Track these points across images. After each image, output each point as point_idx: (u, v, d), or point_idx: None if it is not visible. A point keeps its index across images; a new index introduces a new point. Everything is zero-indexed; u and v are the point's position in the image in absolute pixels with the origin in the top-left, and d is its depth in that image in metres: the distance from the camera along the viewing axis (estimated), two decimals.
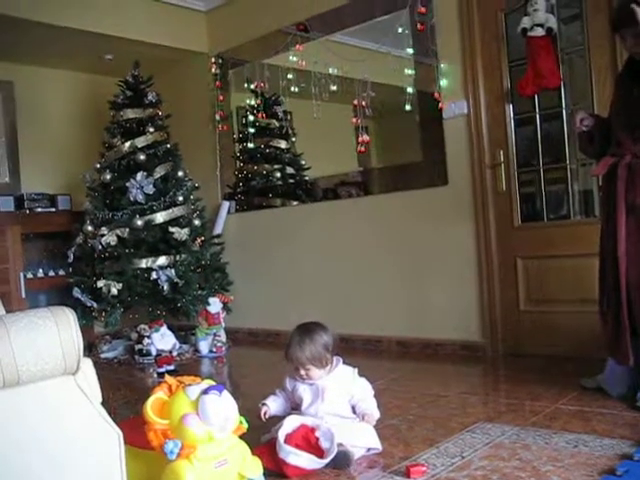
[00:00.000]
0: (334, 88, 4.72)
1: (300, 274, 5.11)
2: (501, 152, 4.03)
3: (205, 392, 1.94)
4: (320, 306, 4.91)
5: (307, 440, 2.29)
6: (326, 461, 2.24)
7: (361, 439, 2.38)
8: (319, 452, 2.26)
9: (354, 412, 2.49)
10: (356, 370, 2.54)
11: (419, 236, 4.39)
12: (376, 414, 2.48)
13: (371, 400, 2.51)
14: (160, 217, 4.89)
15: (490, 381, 3.57)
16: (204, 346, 4.96)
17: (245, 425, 2.05)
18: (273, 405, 2.53)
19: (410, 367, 3.98)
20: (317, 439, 2.29)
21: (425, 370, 3.87)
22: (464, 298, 4.20)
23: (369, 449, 2.41)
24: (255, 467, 2.06)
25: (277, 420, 2.45)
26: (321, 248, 4.97)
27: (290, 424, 2.36)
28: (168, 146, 5.14)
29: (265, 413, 2.50)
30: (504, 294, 4.08)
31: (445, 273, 4.28)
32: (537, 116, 3.95)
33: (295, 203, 5.20)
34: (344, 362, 2.55)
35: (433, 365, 4.00)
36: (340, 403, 2.47)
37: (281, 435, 2.29)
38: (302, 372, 2.46)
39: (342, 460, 2.27)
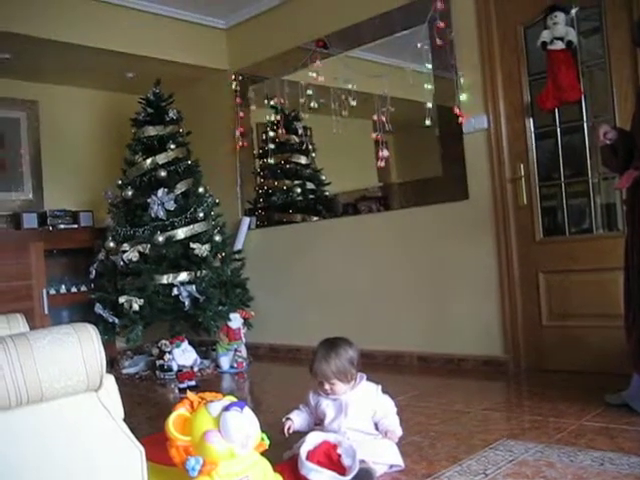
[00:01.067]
0: (353, 103, 4.74)
1: (320, 289, 5.11)
2: (522, 166, 4.02)
3: (227, 409, 1.94)
4: (340, 321, 4.90)
5: (329, 457, 2.28)
6: (348, 479, 2.23)
7: (383, 456, 2.37)
8: (341, 469, 2.25)
9: (377, 429, 2.48)
10: (379, 387, 2.54)
11: (439, 250, 4.38)
12: (399, 431, 2.47)
13: (394, 417, 2.51)
14: (181, 233, 4.91)
15: (513, 397, 3.53)
16: (225, 362, 4.96)
17: (267, 442, 2.04)
18: (297, 420, 2.53)
19: (432, 383, 3.96)
20: (339, 456, 2.28)
21: (447, 386, 3.85)
22: (486, 313, 4.18)
23: (391, 466, 2.40)
24: None
25: (299, 436, 2.44)
26: (341, 263, 4.97)
27: (312, 440, 2.35)
28: (189, 162, 5.18)
29: (289, 428, 2.50)
30: (526, 309, 4.05)
31: (466, 287, 4.26)
32: (558, 129, 3.93)
33: (315, 218, 5.21)
34: (368, 379, 2.55)
35: (455, 381, 3.97)
36: (363, 419, 2.46)
37: (303, 452, 2.29)
38: (327, 386, 2.46)
39: (364, 477, 2.26)
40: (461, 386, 3.82)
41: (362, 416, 2.46)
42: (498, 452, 2.53)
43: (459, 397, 3.51)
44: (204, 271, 4.90)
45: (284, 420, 2.51)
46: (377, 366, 4.54)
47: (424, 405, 3.39)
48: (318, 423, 2.52)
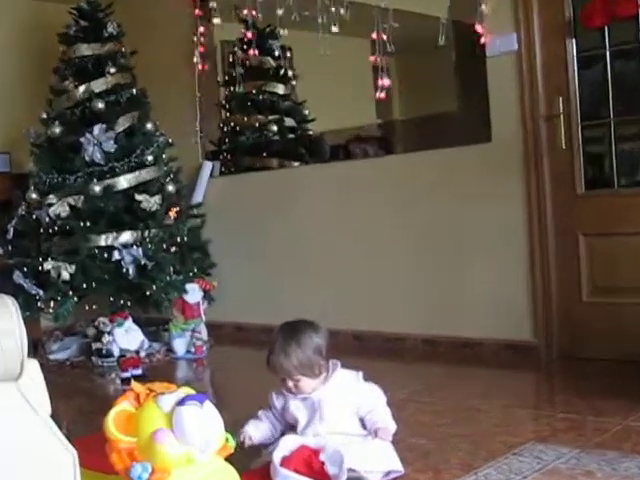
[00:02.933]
0: (346, 17, 4.68)
1: (301, 255, 5.12)
2: (560, 100, 4.01)
3: (182, 403, 1.94)
4: (327, 296, 4.92)
5: (309, 465, 2.29)
6: None
7: (377, 462, 2.38)
8: (324, 479, 2.27)
9: (364, 427, 2.50)
10: (360, 374, 2.55)
11: (453, 207, 4.38)
12: (391, 426, 2.48)
13: (383, 409, 2.52)
14: (124, 182, 4.88)
15: (543, 391, 3.58)
16: (180, 345, 4.98)
17: (232, 444, 2.05)
18: (256, 432, 2.52)
19: (440, 372, 3.98)
20: (322, 464, 2.29)
21: (460, 376, 3.88)
22: (511, 285, 4.20)
23: (388, 473, 2.42)
24: None
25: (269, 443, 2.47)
26: (329, 222, 4.97)
27: (287, 445, 2.36)
28: (134, 91, 5.12)
29: (244, 442, 2.49)
30: (562, 281, 4.07)
31: (487, 254, 4.28)
32: (607, 54, 3.91)
33: (296, 164, 5.19)
34: (343, 366, 2.55)
35: (470, 370, 4.00)
36: (345, 419, 2.47)
37: (276, 457, 2.30)
38: (290, 384, 2.46)
39: None
40: (477, 377, 3.85)
41: (343, 415, 2.47)
42: (523, 459, 2.55)
43: (474, 390, 3.54)
44: (153, 230, 4.88)
45: (239, 434, 2.50)
46: (372, 351, 4.57)
47: (430, 400, 3.41)
48: (288, 429, 2.53)
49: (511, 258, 4.19)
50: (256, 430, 2.53)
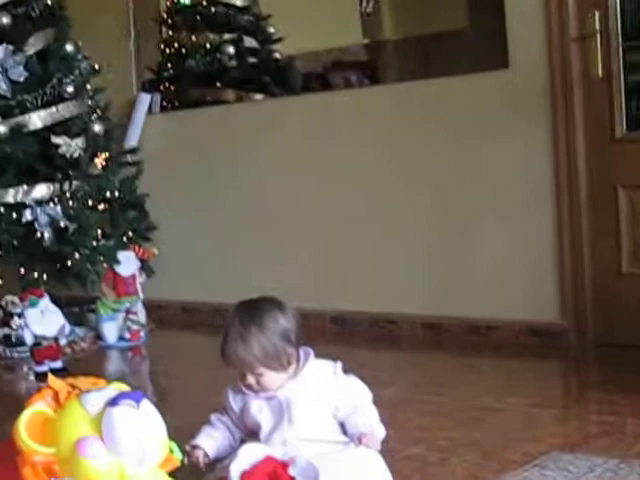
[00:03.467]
0: None
1: (266, 215, 5.11)
2: (596, 15, 4.00)
3: (113, 402, 1.93)
4: (300, 268, 4.93)
5: (273, 476, 2.30)
6: None
7: (361, 476, 2.39)
8: None
9: (344, 433, 2.50)
10: (339, 365, 2.53)
11: (460, 154, 4.38)
12: (379, 431, 2.48)
13: (368, 410, 2.51)
14: (37, 120, 4.84)
15: (572, 386, 3.61)
16: (111, 330, 4.98)
17: (178, 456, 2.05)
18: (210, 444, 2.50)
19: (444, 363, 4.01)
20: (292, 479, 2.30)
21: (468, 368, 3.91)
22: (532, 254, 4.22)
23: None
24: None
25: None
26: (300, 172, 4.96)
27: (248, 456, 2.35)
28: (48, 2, 5.06)
29: (198, 458, 2.48)
30: (597, 247, 4.10)
31: (502, 214, 4.29)
32: None
33: (259, 97, 5.15)
34: (318, 355, 2.54)
35: (481, 360, 4.04)
36: (319, 422, 2.46)
37: (235, 471, 2.30)
38: (251, 380, 2.44)
39: None
40: (490, 369, 3.88)
41: (317, 418, 2.45)
42: (547, 472, 2.55)
43: (487, 386, 3.56)
44: (75, 183, 4.85)
45: (188, 449, 2.49)
46: (355, 338, 4.59)
47: (432, 399, 3.42)
48: (248, 435, 2.52)
49: (533, 218, 4.21)
50: (210, 442, 2.52)
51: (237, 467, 2.31)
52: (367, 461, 2.42)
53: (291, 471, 2.30)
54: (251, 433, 2.52)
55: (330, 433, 2.48)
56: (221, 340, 2.47)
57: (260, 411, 2.47)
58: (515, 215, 4.26)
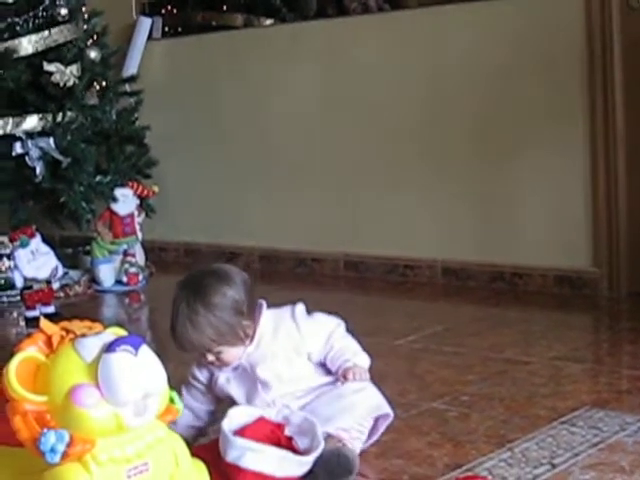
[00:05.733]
0: None
1: (276, 151, 5.11)
2: None
3: (110, 348, 1.93)
4: (311, 208, 4.94)
5: (272, 437, 2.30)
6: (310, 459, 2.26)
7: (360, 412, 2.39)
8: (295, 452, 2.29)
9: (328, 371, 2.49)
10: (298, 308, 2.50)
11: (484, 85, 4.37)
12: (363, 360, 2.47)
13: (345, 341, 2.51)
14: (27, 45, 4.82)
15: (605, 339, 3.60)
16: (107, 273, 4.99)
17: (180, 406, 2.05)
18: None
19: (466, 313, 4.02)
20: (289, 439, 2.30)
21: (492, 319, 3.91)
22: (563, 197, 4.22)
23: (377, 418, 2.45)
24: (197, 476, 2.09)
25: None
26: (314, 105, 4.94)
27: (239, 416, 2.35)
28: None
29: None
30: (633, 190, 4.10)
31: (530, 152, 4.27)
32: None
33: (269, 22, 5.12)
34: (270, 305, 2.50)
35: (506, 310, 4.04)
36: (295, 374, 2.44)
37: (226, 426, 2.30)
38: (211, 358, 2.44)
39: (337, 466, 2.29)
40: (517, 319, 3.88)
41: (291, 370, 2.43)
42: (576, 429, 2.56)
43: (512, 337, 3.56)
44: (69, 114, 4.84)
45: None
46: (371, 283, 4.61)
47: (452, 350, 3.43)
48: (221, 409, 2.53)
49: (565, 157, 4.19)
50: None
51: (229, 425, 2.32)
52: (359, 392, 2.42)
53: (287, 431, 2.32)
54: (227, 405, 2.51)
55: (311, 379, 2.47)
56: (170, 323, 2.44)
57: (228, 383, 2.45)
58: (546, 153, 4.24)
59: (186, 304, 2.41)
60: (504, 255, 4.39)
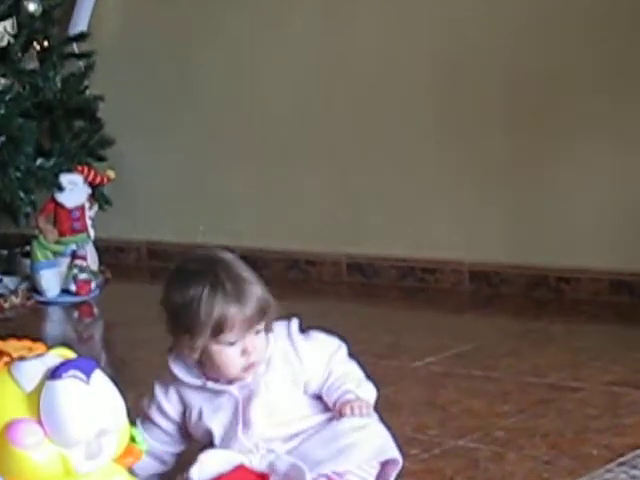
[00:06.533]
0: None
1: (263, 125, 5.13)
2: None
3: (55, 374, 1.93)
4: (307, 198, 4.96)
5: None
6: None
7: (357, 454, 2.39)
8: None
9: (325, 404, 2.50)
10: (293, 324, 2.51)
11: (519, 38, 4.38)
12: (367, 392, 2.48)
13: (346, 367, 2.51)
14: None
15: None
16: (51, 280, 4.99)
17: (142, 446, 2.06)
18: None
19: (500, 328, 4.02)
20: None
21: (532, 334, 3.92)
22: (622, 183, 4.24)
23: (384, 463, 2.44)
24: None
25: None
26: (311, 64, 4.96)
27: (212, 463, 2.35)
28: None
29: None
30: None
31: (582, 126, 4.29)
32: None
33: None
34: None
35: (550, 324, 4.05)
36: (290, 412, 2.46)
37: (195, 475, 2.30)
38: (249, 345, 2.43)
39: None
40: (562, 335, 3.89)
41: (288, 409, 2.46)
42: (636, 472, 2.56)
43: (557, 358, 3.57)
44: (3, 81, 4.87)
45: None
46: (382, 291, 4.62)
47: (483, 375, 3.44)
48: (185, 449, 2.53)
49: (626, 132, 4.21)
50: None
51: (199, 474, 2.32)
52: (362, 430, 2.41)
53: None
54: (197, 442, 2.51)
55: (305, 420, 2.48)
56: (187, 301, 2.42)
57: (212, 414, 2.46)
58: (603, 130, 4.26)
59: (225, 271, 2.42)
60: (547, 255, 4.41)
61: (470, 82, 4.52)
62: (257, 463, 2.36)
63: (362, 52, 4.78)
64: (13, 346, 2.06)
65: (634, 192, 4.19)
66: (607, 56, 4.18)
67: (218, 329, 2.35)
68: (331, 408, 2.46)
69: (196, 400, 2.46)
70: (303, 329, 2.51)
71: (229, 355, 2.38)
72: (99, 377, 1.98)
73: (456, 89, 4.55)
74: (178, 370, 2.46)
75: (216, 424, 2.44)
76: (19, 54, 4.93)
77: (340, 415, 2.41)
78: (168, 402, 2.49)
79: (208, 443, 2.45)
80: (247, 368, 2.40)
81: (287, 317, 2.49)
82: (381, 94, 4.75)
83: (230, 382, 2.41)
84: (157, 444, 2.49)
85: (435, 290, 4.60)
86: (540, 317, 4.14)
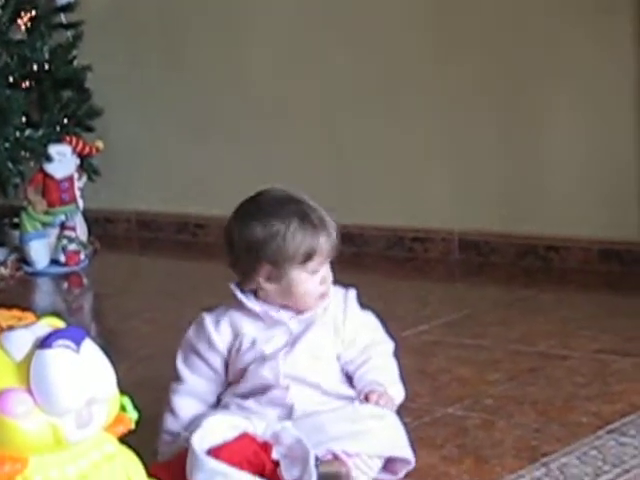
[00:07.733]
0: None
1: (253, 94, 5.12)
2: None
3: (45, 343, 1.93)
4: (298, 168, 4.93)
5: (254, 462, 2.31)
6: None
7: (370, 441, 2.40)
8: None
9: (351, 384, 2.51)
10: (351, 293, 2.57)
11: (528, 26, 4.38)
12: (397, 392, 2.50)
13: (386, 361, 2.54)
14: None
15: None
16: (40, 251, 4.99)
17: (133, 415, 2.05)
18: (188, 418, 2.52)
19: (490, 296, 4.03)
20: (275, 464, 2.31)
21: (522, 303, 3.93)
22: (610, 159, 4.23)
23: (394, 460, 2.44)
24: None
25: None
26: (304, 32, 4.94)
27: (216, 430, 2.35)
28: None
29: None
30: None
31: (573, 99, 4.30)
32: None
33: None
34: None
35: (539, 292, 4.05)
36: (322, 363, 2.47)
37: (197, 442, 2.30)
38: (326, 274, 2.50)
39: None
40: (552, 303, 3.90)
41: (320, 357, 2.47)
42: (626, 439, 2.56)
43: (547, 327, 3.57)
44: None
45: (164, 438, 2.49)
46: (373, 260, 4.65)
47: (472, 343, 3.45)
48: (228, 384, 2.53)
49: (613, 108, 4.22)
50: (187, 414, 2.52)
51: (201, 440, 2.31)
52: (378, 419, 2.42)
53: (275, 453, 2.32)
54: (231, 381, 2.53)
55: (331, 381, 2.49)
56: (297, 238, 2.46)
57: (267, 341, 2.48)
58: (589, 102, 4.27)
59: (299, 203, 2.63)
60: (536, 225, 4.42)
61: (465, 73, 4.52)
62: (262, 431, 2.36)
63: (354, 22, 4.78)
64: (2, 316, 2.05)
65: (616, 172, 4.21)
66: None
67: (308, 257, 2.47)
68: (357, 392, 2.47)
69: (250, 328, 2.50)
70: (361, 302, 2.56)
71: (312, 282, 2.49)
72: (89, 346, 1.97)
73: (451, 77, 4.56)
74: (242, 296, 2.50)
75: (268, 351, 2.48)
76: (6, 24, 4.91)
77: (366, 399, 2.43)
78: (218, 333, 2.52)
79: (235, 382, 2.51)
80: (322, 296, 2.51)
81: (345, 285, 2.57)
82: (377, 66, 4.75)
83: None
84: (202, 381, 2.54)
85: (425, 259, 4.60)
86: (529, 286, 4.15)
